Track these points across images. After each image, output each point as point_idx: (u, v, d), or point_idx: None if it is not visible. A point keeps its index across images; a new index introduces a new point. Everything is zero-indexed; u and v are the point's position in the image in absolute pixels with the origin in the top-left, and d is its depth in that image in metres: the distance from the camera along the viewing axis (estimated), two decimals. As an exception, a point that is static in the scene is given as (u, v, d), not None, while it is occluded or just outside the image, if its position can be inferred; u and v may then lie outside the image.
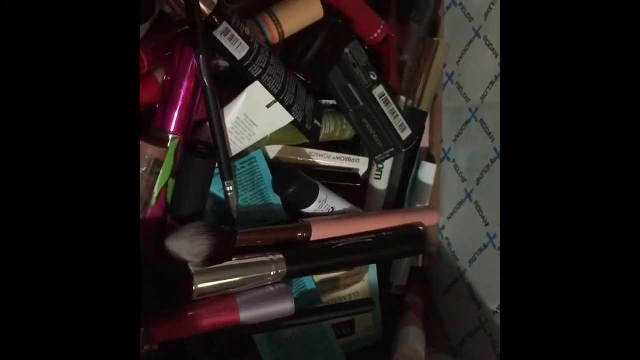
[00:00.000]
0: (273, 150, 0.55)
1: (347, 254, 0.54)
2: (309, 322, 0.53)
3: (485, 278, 0.61)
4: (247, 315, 0.49)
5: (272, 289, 0.51)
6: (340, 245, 0.54)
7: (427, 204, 0.67)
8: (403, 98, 0.63)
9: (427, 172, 0.66)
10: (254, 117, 0.49)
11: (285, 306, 0.51)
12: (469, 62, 0.66)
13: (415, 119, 0.63)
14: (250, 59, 0.47)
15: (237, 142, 0.50)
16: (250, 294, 0.50)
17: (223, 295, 0.49)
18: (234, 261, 0.48)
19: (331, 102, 0.59)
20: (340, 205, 0.56)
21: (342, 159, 0.59)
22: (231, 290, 0.49)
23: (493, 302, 0.59)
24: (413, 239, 0.60)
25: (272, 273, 0.49)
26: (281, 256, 0.50)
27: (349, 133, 0.60)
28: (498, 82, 0.61)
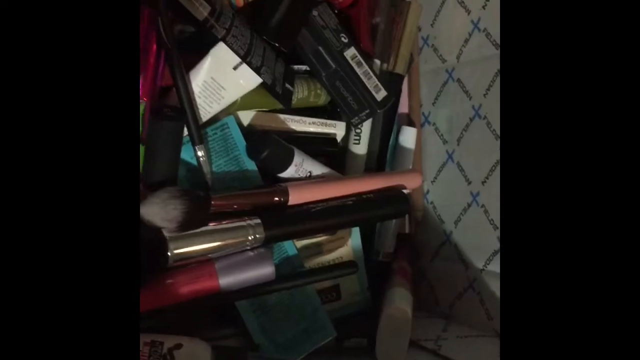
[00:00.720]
0: (246, 117, 0.54)
1: (327, 217, 0.54)
2: (290, 286, 0.52)
3: (471, 237, 0.61)
4: (226, 281, 0.48)
5: (251, 254, 0.50)
6: (320, 208, 0.53)
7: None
8: (378, 62, 0.63)
9: (408, 137, 0.66)
10: (222, 80, 0.49)
11: (265, 271, 0.50)
12: (443, 22, 0.65)
13: (392, 81, 0.63)
14: (213, 19, 0.46)
15: (206, 107, 0.49)
16: (229, 259, 0.49)
17: (201, 262, 0.48)
18: (210, 226, 0.48)
19: (303, 67, 0.59)
20: (317, 169, 0.56)
21: (318, 124, 0.59)
22: (210, 256, 0.48)
23: (479, 260, 0.59)
24: (395, 201, 0.60)
25: (250, 238, 0.48)
26: (258, 221, 0.49)
27: (323, 99, 0.60)
28: (472, 39, 0.61)
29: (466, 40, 0.62)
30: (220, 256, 0.49)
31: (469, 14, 0.61)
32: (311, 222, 0.53)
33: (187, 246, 0.46)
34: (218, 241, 0.47)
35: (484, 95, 0.59)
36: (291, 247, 0.54)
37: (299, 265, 0.55)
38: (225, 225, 0.48)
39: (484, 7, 0.59)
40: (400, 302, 0.55)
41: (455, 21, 0.63)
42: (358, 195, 0.57)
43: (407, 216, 0.68)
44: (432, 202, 0.67)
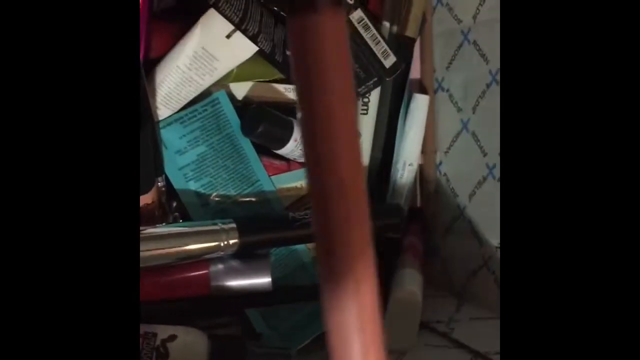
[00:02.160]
0: (241, 90, 0.50)
1: (308, 227, 0.49)
2: (288, 303, 0.49)
3: (486, 212, 0.57)
4: (218, 286, 0.46)
5: (249, 260, 0.47)
6: (301, 219, 0.49)
7: (421, 140, 0.62)
8: (387, 24, 0.58)
9: (420, 105, 0.61)
10: (214, 50, 0.44)
11: (262, 281, 0.47)
12: (458, -21, 0.60)
13: (402, 46, 0.58)
14: (201, -17, 0.42)
15: (198, 80, 0.45)
16: (224, 264, 0.46)
17: (196, 264, 0.45)
18: (179, 229, 0.44)
19: (306, 32, 0.54)
20: (321, 143, 0.52)
21: (322, 94, 0.54)
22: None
23: (495, 237, 0.55)
24: (388, 213, 0.56)
25: (222, 244, 0.45)
26: (233, 225, 0.45)
27: (328, 65, 0.55)
28: (490, -4, 0.56)
29: (483, -2, 0.57)
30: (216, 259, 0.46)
31: (486, -32, 0.56)
32: (290, 231, 0.48)
33: (150, 250, 0.43)
34: (187, 245, 0.44)
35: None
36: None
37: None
38: (195, 228, 0.45)
39: (503, -38, 0.54)
40: (410, 284, 0.52)
41: (471, -23, 0.58)
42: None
43: (418, 189, 0.64)
44: (445, 174, 0.63)
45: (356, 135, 0.20)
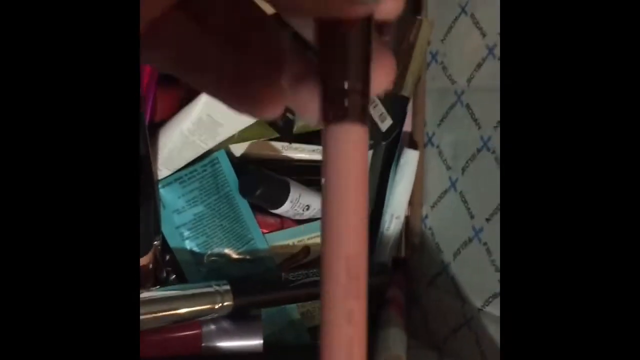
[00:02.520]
0: (240, 147, 0.51)
1: (300, 288, 0.50)
2: None
3: (470, 273, 0.58)
4: (210, 346, 0.46)
5: (241, 322, 0.48)
6: (294, 280, 0.50)
7: (409, 193, 0.63)
8: (383, 82, 0.59)
9: (410, 160, 0.63)
10: (218, 117, 0.45)
11: (253, 343, 0.48)
12: (454, 41, 0.61)
13: (396, 105, 0.59)
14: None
15: (201, 144, 0.46)
16: (216, 324, 0.47)
17: (188, 324, 0.46)
18: (174, 292, 0.45)
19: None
20: (316, 202, 0.53)
21: (319, 151, 0.55)
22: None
23: (478, 299, 0.57)
24: (376, 272, 0.57)
25: (216, 306, 0.45)
26: (227, 287, 0.46)
27: (325, 123, 0.56)
28: (485, 65, 0.57)
29: (479, 65, 0.58)
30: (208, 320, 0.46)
31: (484, 37, 0.57)
32: (283, 292, 0.50)
33: (145, 313, 0.43)
34: (181, 308, 0.44)
35: (495, 127, 0.56)
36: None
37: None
38: (190, 291, 0.45)
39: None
40: (395, 347, 0.53)
41: (468, 42, 0.59)
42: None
43: (403, 240, 0.66)
44: (430, 228, 0.64)
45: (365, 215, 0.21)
